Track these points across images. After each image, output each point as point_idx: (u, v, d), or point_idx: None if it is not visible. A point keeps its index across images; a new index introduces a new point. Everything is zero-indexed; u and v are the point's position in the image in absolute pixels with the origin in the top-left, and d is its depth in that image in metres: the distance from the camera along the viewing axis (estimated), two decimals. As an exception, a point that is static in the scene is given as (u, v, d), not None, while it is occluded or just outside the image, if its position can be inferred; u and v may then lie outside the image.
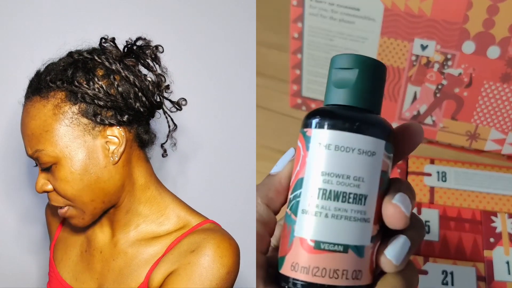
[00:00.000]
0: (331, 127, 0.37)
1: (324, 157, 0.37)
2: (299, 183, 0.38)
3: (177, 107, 0.58)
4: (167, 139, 0.60)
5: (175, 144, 0.61)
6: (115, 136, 0.53)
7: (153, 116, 0.58)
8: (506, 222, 0.78)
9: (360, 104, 0.38)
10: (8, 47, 0.76)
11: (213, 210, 0.63)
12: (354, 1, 0.77)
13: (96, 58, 0.53)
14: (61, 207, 0.54)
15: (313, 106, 0.94)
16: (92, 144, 0.52)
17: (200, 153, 0.87)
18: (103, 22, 0.75)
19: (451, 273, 0.73)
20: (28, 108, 0.52)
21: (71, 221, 0.55)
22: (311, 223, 0.36)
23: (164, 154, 0.61)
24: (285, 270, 0.37)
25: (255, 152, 0.89)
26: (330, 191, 0.36)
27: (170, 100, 0.58)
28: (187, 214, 0.56)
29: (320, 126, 0.37)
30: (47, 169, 0.53)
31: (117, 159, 0.53)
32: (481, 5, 0.71)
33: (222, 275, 0.50)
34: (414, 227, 0.38)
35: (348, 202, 0.36)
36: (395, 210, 0.36)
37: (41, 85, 0.52)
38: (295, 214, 0.37)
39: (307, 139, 0.38)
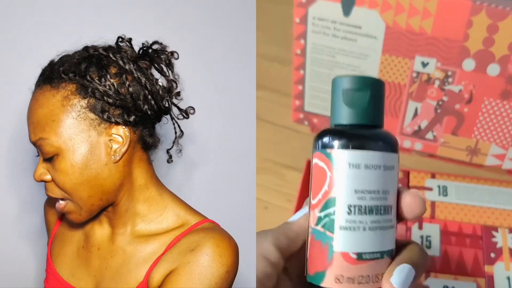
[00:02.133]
0: (360, 147, 0.40)
1: (356, 176, 0.39)
2: (331, 202, 0.40)
3: (185, 115, 0.58)
4: (172, 145, 0.60)
5: (180, 151, 0.61)
6: (120, 135, 0.53)
7: (159, 121, 0.58)
8: (506, 237, 0.79)
9: (372, 122, 0.42)
10: (25, 36, 0.77)
11: (215, 212, 0.63)
12: (356, 19, 0.78)
13: (111, 56, 0.53)
14: (58, 202, 0.55)
15: (315, 121, 0.95)
16: (96, 140, 0.52)
17: (204, 160, 0.87)
18: (100, 24, 0.75)
19: (452, 288, 0.73)
20: (37, 96, 0.53)
21: (68, 217, 0.55)
22: (351, 237, 0.39)
23: (170, 160, 0.61)
24: (329, 283, 0.40)
25: (255, 158, 0.90)
26: (366, 206, 0.39)
27: (178, 107, 0.58)
28: (186, 213, 0.57)
29: (347, 147, 0.40)
30: (49, 159, 0.53)
31: (118, 158, 0.53)
32: (481, 24, 0.72)
33: (222, 274, 0.50)
34: (419, 254, 0.41)
35: (381, 214, 0.40)
36: (413, 197, 0.41)
37: (53, 75, 0.53)
38: (331, 231, 0.40)
39: (332, 160, 0.40)
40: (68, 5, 0.77)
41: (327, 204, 0.40)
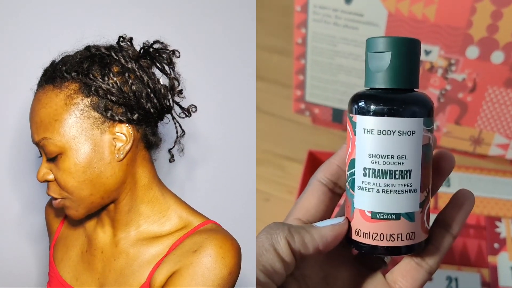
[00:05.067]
0: (372, 113, 0.40)
1: (369, 141, 0.41)
2: (352, 163, 0.42)
3: (187, 113, 0.58)
4: (174, 145, 0.60)
5: (182, 150, 0.61)
6: (123, 134, 0.53)
7: (161, 119, 0.58)
8: (510, 228, 0.78)
9: (397, 85, 0.41)
10: (26, 37, 0.77)
11: (218, 210, 0.63)
12: (357, 7, 0.77)
13: (113, 54, 0.53)
14: (56, 198, 0.54)
15: (317, 111, 0.94)
16: (99, 138, 0.52)
17: (206, 159, 0.87)
18: (101, 23, 0.75)
19: (456, 279, 0.73)
20: (40, 96, 0.53)
21: (65, 211, 0.55)
22: (366, 197, 0.42)
23: (171, 159, 0.61)
24: (351, 235, 0.43)
25: (255, 155, 0.89)
26: (379, 170, 0.41)
27: (180, 106, 0.58)
28: (188, 215, 0.56)
29: (362, 112, 0.41)
30: (52, 159, 0.53)
31: (122, 156, 0.53)
32: (485, 11, 0.71)
33: (224, 276, 0.50)
34: None
35: (395, 178, 0.41)
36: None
37: (55, 74, 0.52)
38: (353, 190, 0.43)
39: (353, 124, 0.42)
40: (69, 5, 0.77)
41: (351, 164, 0.43)
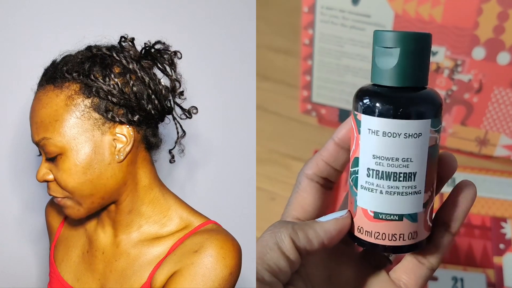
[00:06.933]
0: (377, 114, 0.39)
1: (374, 142, 0.40)
2: (356, 161, 0.42)
3: (188, 115, 0.58)
4: (175, 145, 0.60)
5: (183, 151, 0.61)
6: (124, 135, 0.53)
7: (162, 120, 0.58)
8: (516, 228, 0.78)
9: (405, 84, 0.39)
10: (27, 36, 0.77)
11: (218, 213, 0.63)
12: (364, 8, 0.78)
13: (115, 55, 0.53)
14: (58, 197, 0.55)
15: (323, 112, 0.95)
16: (99, 139, 0.52)
17: (207, 160, 0.87)
18: (103, 23, 0.75)
19: (461, 280, 0.73)
20: (40, 96, 0.53)
21: (65, 211, 0.55)
22: (369, 197, 0.41)
23: (172, 160, 0.61)
24: (354, 231, 0.43)
25: (255, 155, 0.89)
26: (382, 172, 0.40)
27: (181, 107, 0.58)
28: (189, 215, 0.57)
29: (367, 112, 0.40)
30: (52, 159, 0.53)
31: (122, 157, 0.53)
32: (492, 12, 0.71)
33: (225, 276, 0.50)
34: None
35: (399, 181, 0.40)
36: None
37: (56, 74, 0.52)
38: (356, 188, 0.42)
39: (358, 122, 0.41)
40: (70, 5, 0.78)
41: (354, 162, 0.42)
